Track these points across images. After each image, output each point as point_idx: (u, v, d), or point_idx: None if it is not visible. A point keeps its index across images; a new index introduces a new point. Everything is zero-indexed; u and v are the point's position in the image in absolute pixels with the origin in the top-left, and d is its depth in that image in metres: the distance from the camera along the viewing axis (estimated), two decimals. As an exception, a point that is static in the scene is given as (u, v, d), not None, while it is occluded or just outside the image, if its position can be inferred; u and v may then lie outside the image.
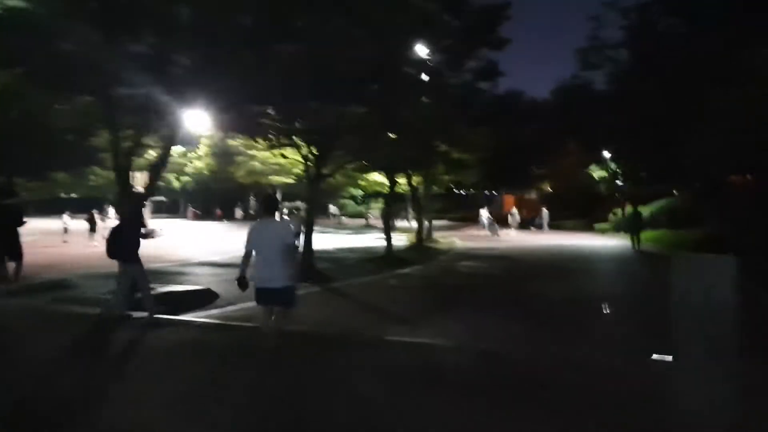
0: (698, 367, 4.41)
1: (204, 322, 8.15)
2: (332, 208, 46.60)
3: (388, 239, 18.09)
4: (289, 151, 16.22)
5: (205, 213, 49.16)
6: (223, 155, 41.28)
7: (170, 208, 49.83)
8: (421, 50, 15.09)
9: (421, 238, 22.65)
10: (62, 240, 22.32)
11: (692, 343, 4.46)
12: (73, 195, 36.95)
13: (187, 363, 6.22)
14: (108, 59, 8.80)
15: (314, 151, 13.93)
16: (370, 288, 12.49)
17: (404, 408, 4.82)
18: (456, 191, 37.59)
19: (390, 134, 15.46)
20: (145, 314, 8.05)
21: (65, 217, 24.14)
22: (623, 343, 7.70)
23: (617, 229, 31.05)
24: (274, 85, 10.41)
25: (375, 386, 5.37)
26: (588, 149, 36.67)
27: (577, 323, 9.10)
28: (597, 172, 38.86)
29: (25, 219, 11.22)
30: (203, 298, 9.91)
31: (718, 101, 15.32)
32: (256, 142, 18.11)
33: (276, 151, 17.25)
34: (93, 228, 22.00)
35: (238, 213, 49.39)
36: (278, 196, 31.58)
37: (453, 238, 27.15)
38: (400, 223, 32.63)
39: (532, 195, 45.95)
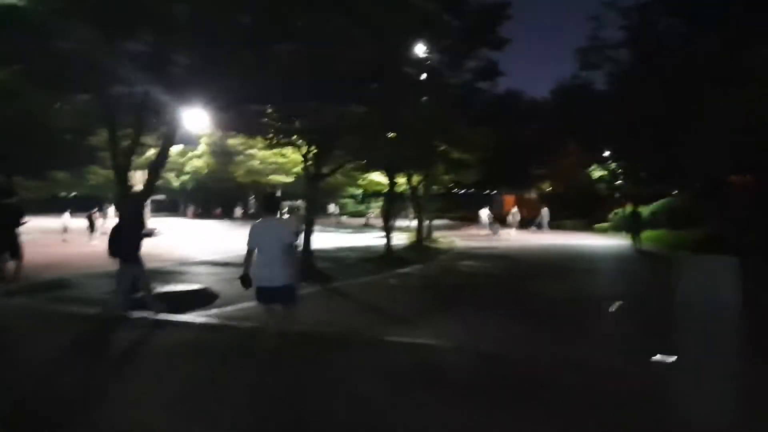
0: (698, 367, 4.41)
1: (204, 322, 8.15)
2: (332, 207, 46.62)
3: (388, 238, 18.09)
4: (288, 151, 16.22)
5: (205, 212, 49.19)
6: (222, 154, 41.32)
7: (170, 207, 49.86)
8: (421, 50, 15.08)
9: (421, 237, 22.65)
10: (62, 239, 22.31)
11: (692, 343, 4.46)
12: (73, 194, 36.97)
13: (186, 363, 6.22)
14: (107, 58, 8.79)
15: (314, 150, 13.92)
16: (370, 288, 12.48)
17: (404, 408, 4.82)
18: (456, 191, 37.57)
19: (390, 134, 15.45)
20: (144, 314, 8.05)
21: (65, 216, 24.13)
22: (623, 343, 7.68)
23: (617, 229, 31.06)
24: (273, 84, 10.41)
25: (375, 386, 5.37)
26: (588, 149, 36.67)
27: (577, 323, 9.09)
28: (597, 172, 38.86)
29: (25, 219, 11.21)
30: (203, 298, 9.90)
31: (718, 101, 15.31)
32: (256, 140, 18.12)
33: (275, 151, 17.25)
34: (92, 227, 22.00)
35: (238, 212, 49.42)
36: (279, 195, 31.57)
37: (453, 238, 27.16)
38: (400, 222, 32.63)
39: (533, 195, 45.93)
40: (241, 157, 37.80)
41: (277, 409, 4.80)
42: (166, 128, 10.67)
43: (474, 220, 35.50)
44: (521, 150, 41.87)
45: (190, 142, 41.19)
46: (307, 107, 12.66)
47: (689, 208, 24.80)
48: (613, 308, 9.88)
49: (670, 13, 21.84)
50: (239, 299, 8.77)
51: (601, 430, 4.44)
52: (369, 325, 8.35)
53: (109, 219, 24.30)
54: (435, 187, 27.47)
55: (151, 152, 10.72)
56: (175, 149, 32.10)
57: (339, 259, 17.23)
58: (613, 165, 35.64)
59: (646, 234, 23.48)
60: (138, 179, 13.14)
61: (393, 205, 21.10)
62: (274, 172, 35.20)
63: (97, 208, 25.02)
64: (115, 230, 8.43)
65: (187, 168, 45.67)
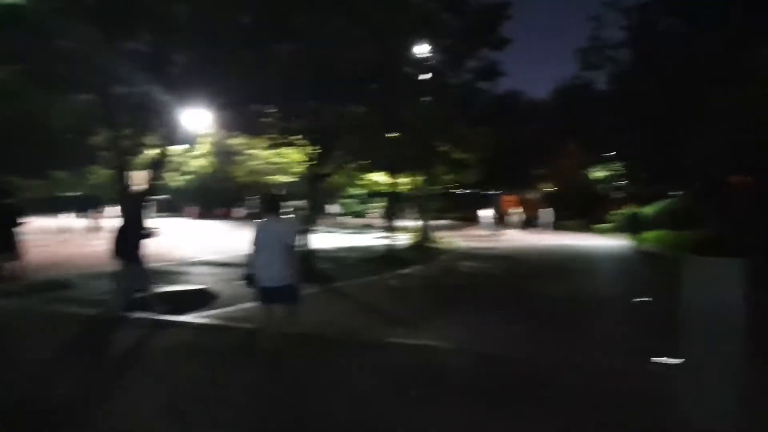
0: (698, 367, 4.41)
1: (203, 323, 8.15)
2: (332, 208, 46.61)
3: (389, 239, 18.09)
4: (289, 151, 16.22)
5: (206, 212, 49.20)
6: (223, 154, 41.31)
7: (171, 207, 49.84)
8: (421, 50, 15.09)
9: (422, 237, 22.65)
10: (61, 239, 22.32)
11: (692, 343, 4.46)
12: (73, 194, 36.95)
13: (186, 363, 6.22)
14: (107, 58, 8.79)
15: (314, 150, 13.93)
16: (371, 288, 12.48)
17: (404, 408, 4.82)
18: (456, 191, 37.58)
19: (390, 134, 15.46)
20: (143, 314, 8.04)
21: (66, 215, 24.15)
22: (623, 344, 7.69)
23: (617, 229, 31.06)
24: (274, 84, 10.42)
25: (375, 387, 5.37)
26: (588, 149, 36.68)
27: (577, 323, 9.10)
28: (596, 173, 38.86)
29: (22, 220, 11.17)
30: (203, 298, 9.91)
31: (718, 101, 15.32)
32: (257, 140, 18.12)
33: (276, 151, 17.26)
34: (92, 227, 22.03)
35: (239, 212, 49.41)
36: (283, 194, 31.55)
37: (453, 238, 27.14)
38: (400, 222, 32.62)
39: (534, 195, 45.94)
40: (241, 157, 37.78)
41: (277, 409, 4.80)
42: (167, 128, 10.67)
43: (474, 220, 35.50)
44: (521, 150, 41.86)
45: (191, 142, 41.17)
46: (308, 107, 12.67)
47: (690, 209, 24.79)
48: (637, 301, 10.01)
49: (670, 13, 21.86)
50: (239, 300, 8.77)
51: (601, 430, 4.44)
52: (369, 326, 8.35)
53: (109, 219, 24.31)
54: (435, 188, 27.51)
55: (152, 152, 10.72)
56: (175, 149, 32.09)
57: (339, 259, 17.22)
58: (613, 166, 35.65)
59: (647, 234, 23.49)
60: (139, 179, 13.13)
61: (394, 206, 21.12)
62: (275, 172, 35.16)
63: (96, 208, 25.05)
64: (119, 231, 8.41)
65: (189, 167, 45.66)
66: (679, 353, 4.57)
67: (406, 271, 15.29)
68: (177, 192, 49.02)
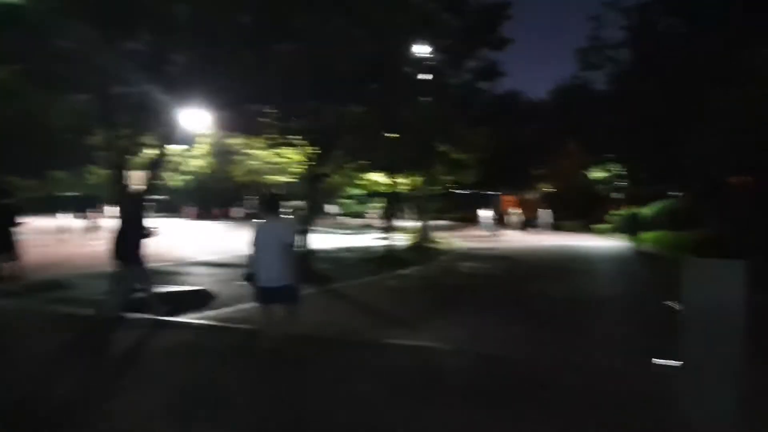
0: (698, 368, 4.40)
1: (202, 323, 8.14)
2: (331, 208, 46.58)
3: (388, 239, 18.09)
4: (288, 151, 16.21)
5: (205, 212, 49.17)
6: (222, 154, 41.27)
7: (169, 207, 49.81)
8: (421, 50, 15.09)
9: (421, 238, 22.64)
10: (60, 239, 22.30)
11: (692, 344, 4.46)
12: (71, 193, 36.94)
13: (186, 363, 6.21)
14: (107, 58, 8.78)
15: (314, 150, 13.92)
16: (370, 289, 12.47)
17: (404, 408, 4.82)
18: (455, 191, 37.59)
19: (390, 134, 15.46)
20: (142, 315, 8.03)
21: (64, 215, 24.12)
22: (623, 344, 7.69)
23: (617, 230, 31.06)
24: (273, 84, 10.40)
25: (375, 387, 5.36)
26: (587, 150, 36.67)
27: (577, 324, 9.09)
28: (596, 173, 38.85)
29: (21, 220, 11.14)
30: (202, 299, 9.90)
31: (718, 101, 15.32)
32: (256, 140, 18.10)
33: (275, 151, 17.24)
34: (90, 227, 22.00)
35: (238, 212, 49.39)
36: (282, 195, 31.54)
37: (453, 239, 27.15)
38: (399, 222, 32.63)
39: (533, 195, 45.94)
40: (240, 157, 37.74)
41: (277, 409, 4.79)
42: (165, 128, 10.65)
43: (473, 220, 35.50)
44: (521, 150, 41.86)
45: (190, 142, 41.15)
46: (307, 107, 12.66)
47: (689, 209, 24.79)
48: (669, 304, 9.99)
49: (670, 13, 21.87)
50: (237, 300, 8.77)
51: (601, 431, 4.44)
52: (369, 327, 8.35)
53: (107, 219, 24.28)
54: (435, 188, 27.50)
55: (151, 152, 10.69)
56: (174, 149, 32.05)
57: (338, 259, 17.22)
58: (613, 166, 35.64)
59: (647, 235, 23.49)
60: (137, 179, 13.11)
61: (393, 206, 21.11)
62: (274, 172, 35.15)
63: (95, 208, 25.03)
64: (119, 232, 8.39)
65: (187, 168, 45.65)
66: (678, 354, 4.57)
67: (406, 271, 15.28)
68: (176, 192, 49.00)
